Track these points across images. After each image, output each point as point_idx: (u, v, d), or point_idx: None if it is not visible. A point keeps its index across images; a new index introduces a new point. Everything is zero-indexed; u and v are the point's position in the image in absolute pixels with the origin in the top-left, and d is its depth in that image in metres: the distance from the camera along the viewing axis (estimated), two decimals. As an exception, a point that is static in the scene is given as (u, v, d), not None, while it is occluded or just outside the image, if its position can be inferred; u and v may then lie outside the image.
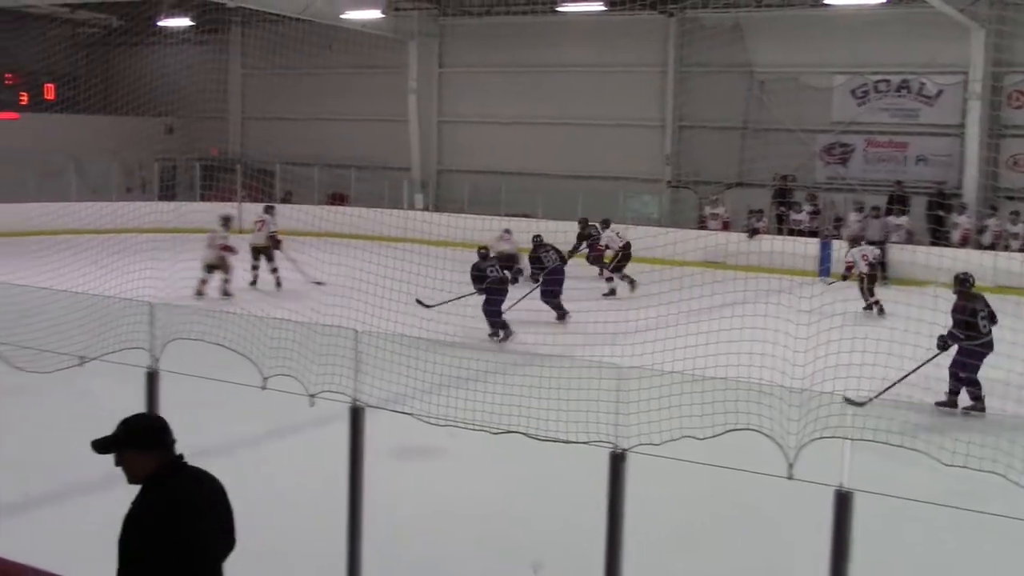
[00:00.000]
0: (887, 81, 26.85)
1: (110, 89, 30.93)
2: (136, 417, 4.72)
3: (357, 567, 6.72)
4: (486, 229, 19.77)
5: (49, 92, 33.86)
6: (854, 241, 20.86)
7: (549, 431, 6.84)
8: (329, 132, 33.26)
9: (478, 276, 16.23)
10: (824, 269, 23.18)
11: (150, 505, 4.37)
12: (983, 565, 8.08)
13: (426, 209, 30.46)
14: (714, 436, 6.47)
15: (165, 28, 31.35)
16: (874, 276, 19.53)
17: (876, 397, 11.67)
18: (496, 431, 6.95)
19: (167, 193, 32.04)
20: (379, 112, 33.15)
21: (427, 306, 15.54)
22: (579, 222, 23.88)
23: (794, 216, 25.78)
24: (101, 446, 4.52)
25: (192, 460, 4.57)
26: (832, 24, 26.30)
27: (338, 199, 32.12)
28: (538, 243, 18.93)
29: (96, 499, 7.80)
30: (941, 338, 11.02)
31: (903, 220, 24.53)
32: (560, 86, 30.48)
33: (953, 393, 10.99)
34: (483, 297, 15.97)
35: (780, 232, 25.43)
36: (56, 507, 8.85)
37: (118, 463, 4.52)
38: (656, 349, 8.85)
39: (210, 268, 19.31)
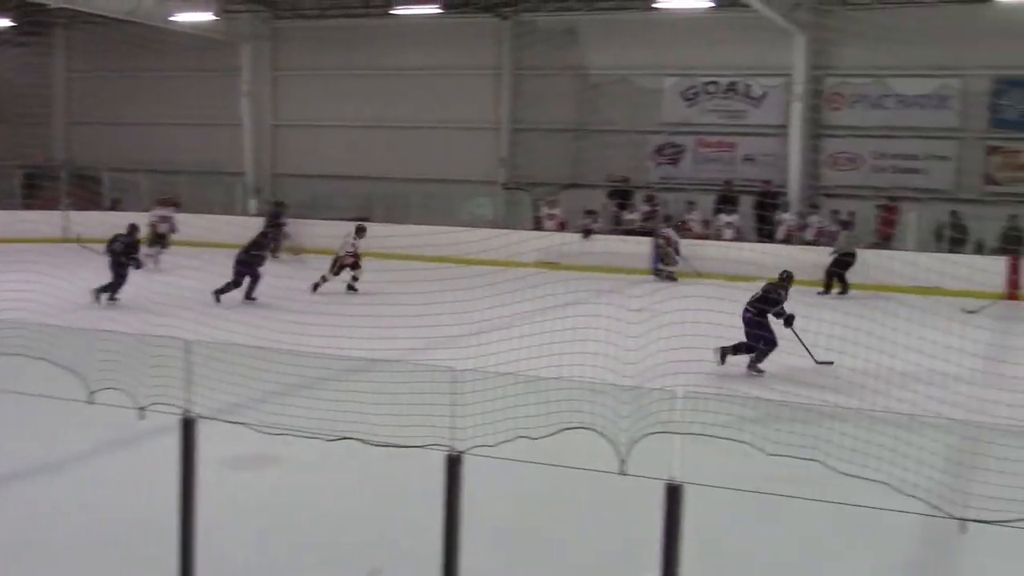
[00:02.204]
0: (716, 83, 27.63)
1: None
2: None
3: (190, 581, 6.57)
4: (328, 236, 19.64)
5: None
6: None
7: (385, 436, 6.82)
8: (159, 137, 32.44)
9: None
10: (656, 267, 23.72)
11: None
12: (807, 549, 8.37)
13: (260, 215, 29.96)
14: (548, 435, 6.55)
15: (-18, 29, 30.10)
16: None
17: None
18: (331, 438, 6.89)
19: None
20: (212, 116, 32.46)
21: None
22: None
23: (627, 216, 26.28)
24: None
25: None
26: (662, 27, 26.90)
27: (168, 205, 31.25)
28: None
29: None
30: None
31: (733, 218, 25.28)
32: (396, 89, 30.40)
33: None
34: None
35: (616, 232, 25.87)
36: None
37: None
38: (491, 351, 8.91)
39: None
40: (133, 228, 19.40)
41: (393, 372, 7.85)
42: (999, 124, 25.14)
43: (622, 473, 6.12)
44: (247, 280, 18.74)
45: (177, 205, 26.16)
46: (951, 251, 22.66)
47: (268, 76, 32.67)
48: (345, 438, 6.81)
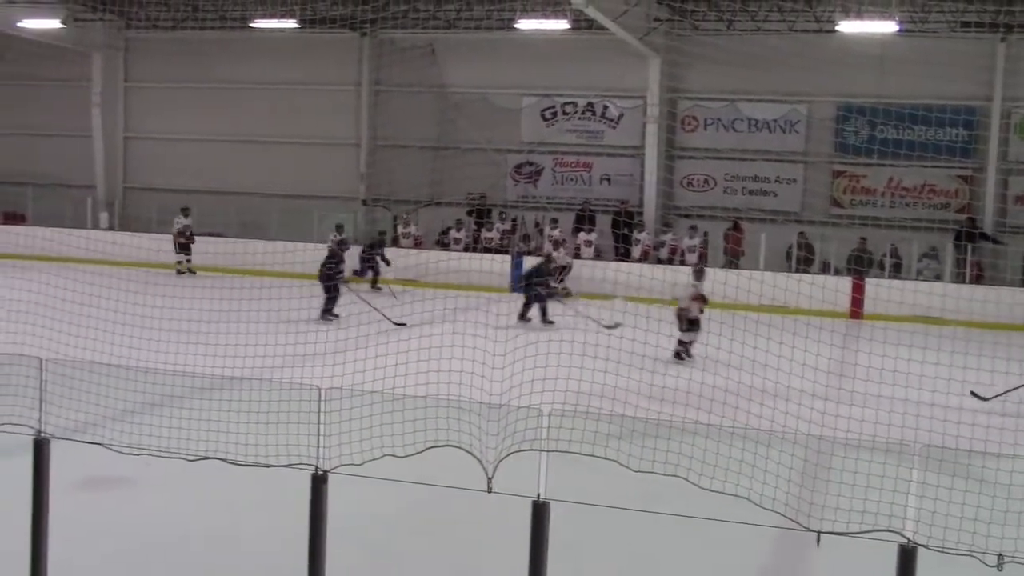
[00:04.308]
0: (574, 103, 28.03)
1: None
2: None
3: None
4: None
5: None
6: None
7: (248, 455, 6.71)
8: (5, 147, 31.33)
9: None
10: (516, 285, 23.90)
11: None
12: (671, 564, 8.53)
13: (111, 228, 29.16)
14: (415, 453, 6.55)
15: None
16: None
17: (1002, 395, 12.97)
18: (193, 458, 6.75)
19: None
20: (60, 127, 31.50)
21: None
22: None
23: (486, 234, 26.43)
24: None
25: None
26: (522, 47, 27.17)
27: (14, 219, 30.22)
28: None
29: None
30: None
31: (591, 237, 25.65)
32: (254, 103, 29.99)
33: None
34: None
35: (475, 249, 25.98)
36: None
37: None
38: (357, 369, 8.85)
39: None
40: None
41: (256, 390, 7.72)
42: (842, 149, 26.15)
43: (489, 491, 6.16)
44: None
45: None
46: (799, 271, 23.43)
47: (120, 87, 31.85)
48: (207, 458, 6.69)
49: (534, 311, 19.34)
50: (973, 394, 13.40)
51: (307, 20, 26.95)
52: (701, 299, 16.53)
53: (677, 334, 16.13)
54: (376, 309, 17.96)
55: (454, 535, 8.86)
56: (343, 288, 19.65)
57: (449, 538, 8.85)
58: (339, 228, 24.76)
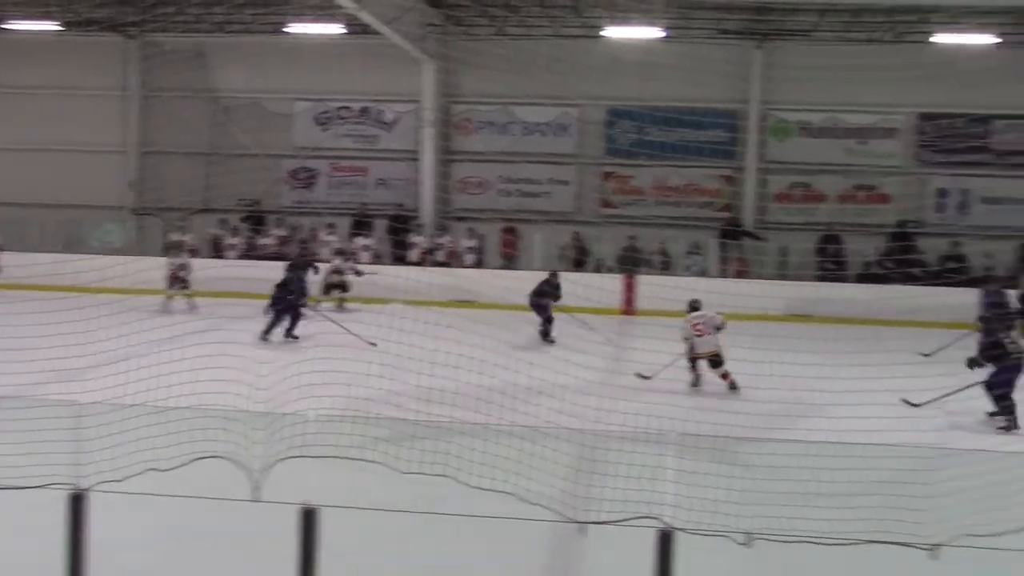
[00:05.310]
0: (348, 108, 27.87)
1: None
2: None
3: None
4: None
5: None
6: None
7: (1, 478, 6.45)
8: None
9: None
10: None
11: None
12: (443, 564, 8.61)
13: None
14: (180, 466, 6.44)
15: None
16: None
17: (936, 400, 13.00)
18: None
19: None
20: None
21: None
22: None
23: (261, 241, 26.00)
24: None
25: None
26: (294, 52, 26.81)
27: None
28: None
29: None
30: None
31: (369, 242, 25.59)
32: (13, 109, 28.54)
33: None
34: None
35: (250, 257, 25.47)
36: None
37: None
38: (119, 382, 8.58)
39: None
40: None
41: (10, 408, 7.42)
42: (612, 151, 26.90)
43: (255, 500, 6.12)
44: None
45: None
46: (573, 270, 24.02)
47: None
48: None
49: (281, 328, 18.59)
50: (904, 401, 13.50)
51: (69, 22, 25.91)
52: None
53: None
54: (346, 329, 17.29)
55: (221, 548, 8.67)
56: (307, 311, 19.12)
57: (215, 551, 8.66)
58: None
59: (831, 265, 24.20)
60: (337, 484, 6.20)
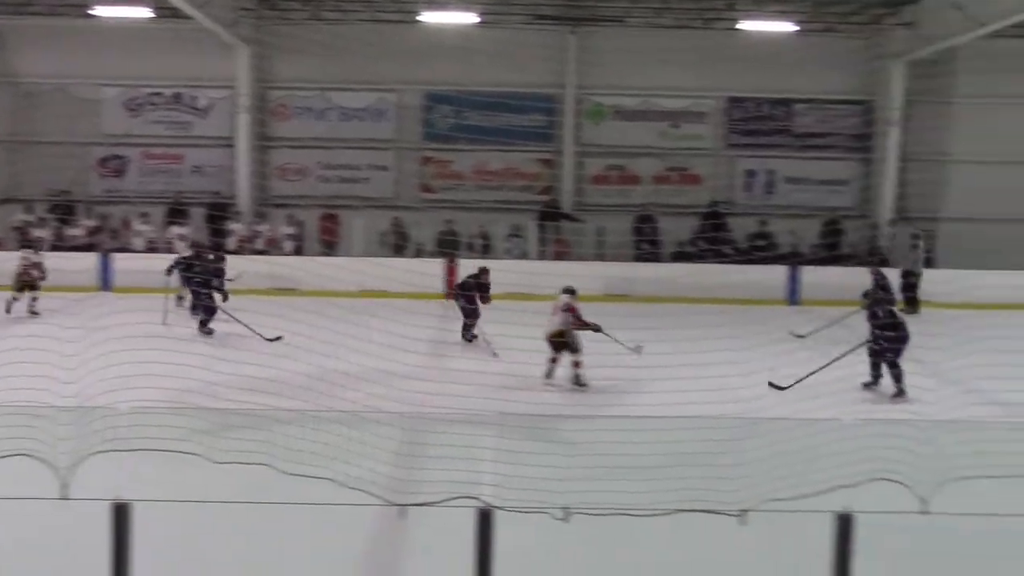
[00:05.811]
0: (160, 94, 27.09)
1: None
2: None
3: None
4: None
5: None
6: None
7: None
8: None
9: None
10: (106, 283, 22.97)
11: None
12: (262, 553, 8.46)
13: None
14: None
15: None
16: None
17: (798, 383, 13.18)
18: None
19: None
20: None
21: None
22: None
23: (70, 231, 25.07)
24: None
25: None
26: (102, 36, 25.85)
27: None
28: None
29: None
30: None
31: (185, 230, 24.95)
32: None
33: None
34: None
35: (60, 248, 24.53)
36: None
37: None
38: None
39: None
40: None
41: None
42: (430, 136, 26.91)
43: (64, 498, 5.93)
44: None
45: None
46: (394, 256, 23.97)
47: None
48: None
49: None
50: (771, 385, 13.45)
51: None
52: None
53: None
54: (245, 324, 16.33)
55: (28, 550, 8.34)
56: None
57: (23, 554, 8.32)
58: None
59: (647, 245, 24.79)
60: (151, 478, 6.05)
